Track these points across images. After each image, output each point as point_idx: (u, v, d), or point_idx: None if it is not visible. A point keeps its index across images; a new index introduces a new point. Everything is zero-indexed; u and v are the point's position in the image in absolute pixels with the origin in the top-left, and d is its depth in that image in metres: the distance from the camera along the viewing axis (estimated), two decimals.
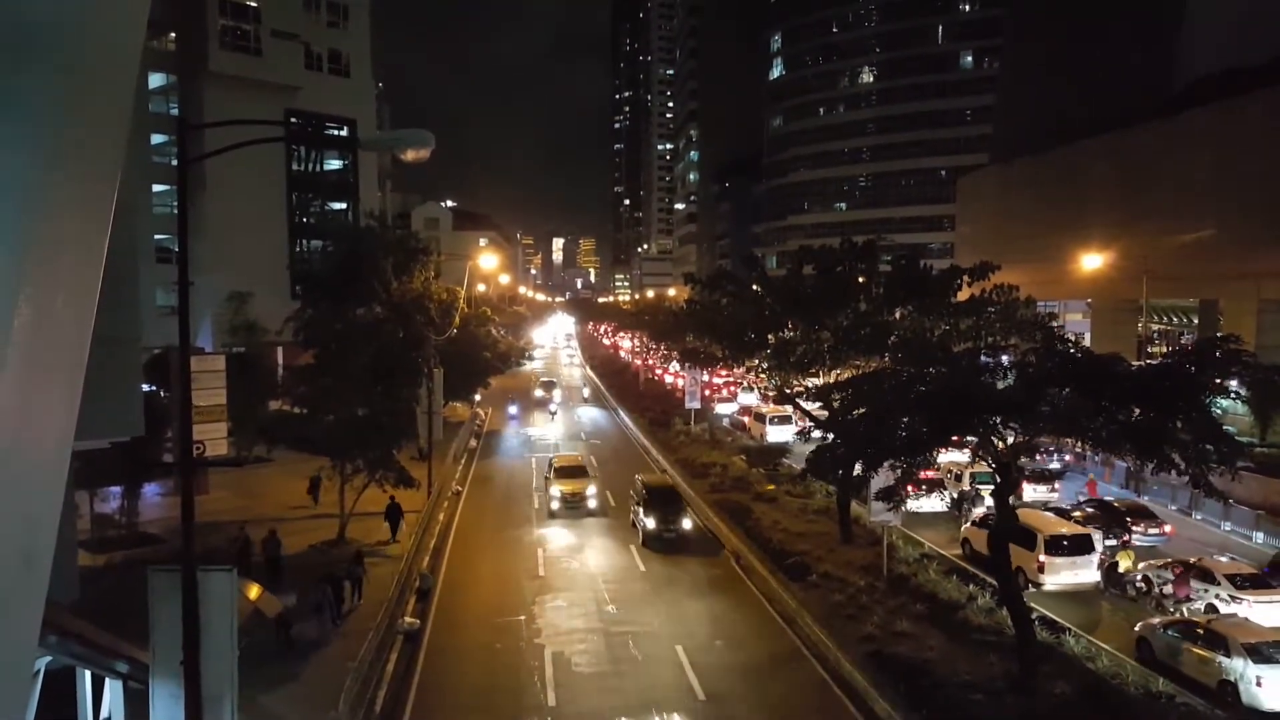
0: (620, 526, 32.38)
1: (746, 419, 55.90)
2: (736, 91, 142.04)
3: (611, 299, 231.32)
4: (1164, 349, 58.17)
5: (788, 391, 33.97)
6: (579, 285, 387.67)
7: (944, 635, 20.72)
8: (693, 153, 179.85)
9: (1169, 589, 23.62)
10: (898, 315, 29.30)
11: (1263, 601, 21.95)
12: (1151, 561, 25.21)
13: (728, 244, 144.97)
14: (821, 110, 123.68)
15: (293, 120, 55.05)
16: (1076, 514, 29.01)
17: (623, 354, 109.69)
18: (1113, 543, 26.93)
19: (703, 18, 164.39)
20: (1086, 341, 47.05)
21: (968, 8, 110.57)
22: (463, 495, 37.87)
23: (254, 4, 53.41)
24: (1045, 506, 30.62)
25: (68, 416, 4.31)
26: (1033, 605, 20.66)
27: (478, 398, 61.00)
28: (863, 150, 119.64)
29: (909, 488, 21.16)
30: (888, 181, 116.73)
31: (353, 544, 26.82)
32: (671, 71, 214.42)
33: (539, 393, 69.28)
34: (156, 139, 47.99)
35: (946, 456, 31.17)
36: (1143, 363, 29.49)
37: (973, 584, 24.24)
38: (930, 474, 32.77)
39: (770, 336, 32.08)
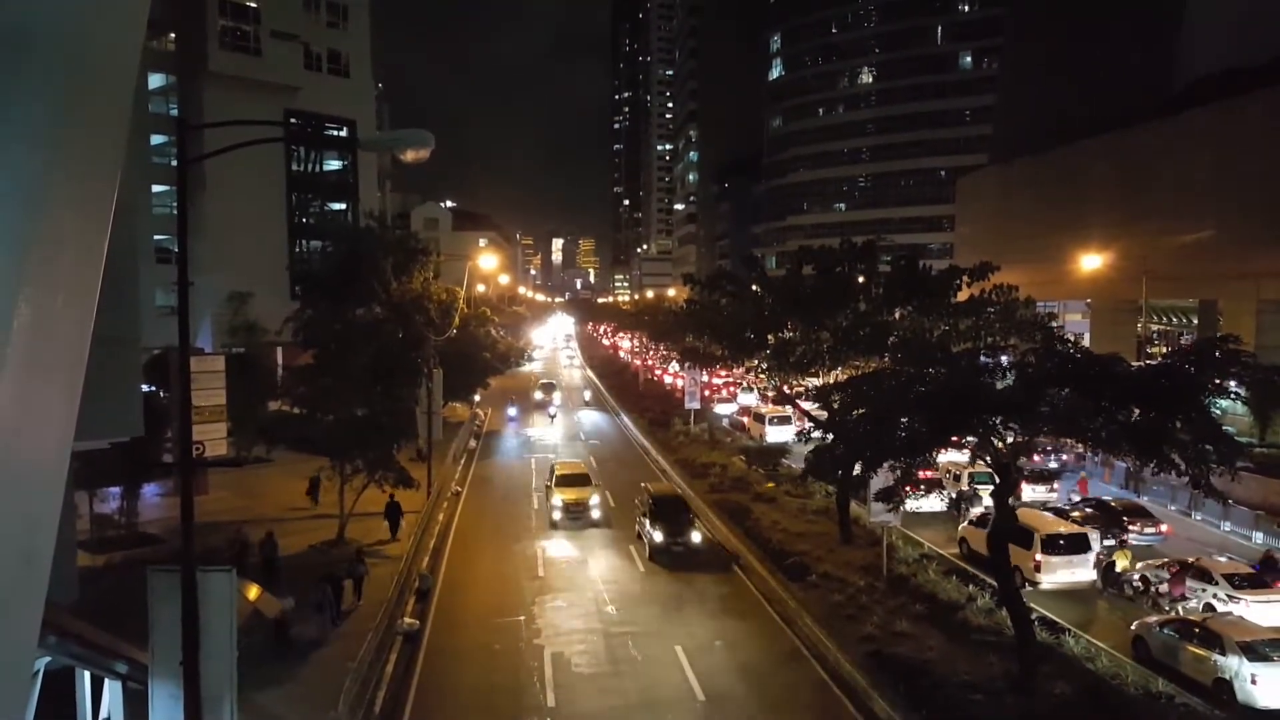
0: (625, 538, 30.84)
1: (746, 419, 55.90)
2: (736, 92, 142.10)
3: (611, 299, 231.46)
4: (1163, 349, 58.14)
5: (787, 392, 33.98)
6: (578, 285, 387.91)
7: (944, 635, 20.72)
8: (692, 153, 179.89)
9: (1165, 588, 23.69)
10: (897, 315, 29.30)
11: (1260, 601, 22.05)
12: (1150, 562, 25.26)
13: (727, 244, 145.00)
14: (821, 110, 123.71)
15: (292, 120, 55.04)
16: (1075, 514, 29.12)
17: (622, 354, 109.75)
18: (1111, 543, 26.98)
19: (702, 18, 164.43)
20: (1086, 342, 47.09)
21: (967, 8, 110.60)
22: (462, 496, 37.85)
23: (254, 4, 53.41)
24: (1044, 507, 30.65)
25: (68, 417, 4.31)
26: (1032, 606, 20.67)
27: (477, 398, 61.01)
28: (862, 151, 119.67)
29: (908, 488, 21.13)
30: (887, 182, 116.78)
31: (352, 544, 26.82)
32: (671, 72, 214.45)
33: (538, 395, 68.08)
34: (156, 139, 47.97)
35: (945, 457, 31.17)
36: (1142, 363, 29.50)
37: (972, 584, 24.26)
38: (929, 474, 32.80)
39: (770, 337, 32.08)
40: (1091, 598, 25.10)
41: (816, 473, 28.85)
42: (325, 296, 31.00)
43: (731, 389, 65.91)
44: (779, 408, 47.48)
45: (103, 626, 10.41)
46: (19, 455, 3.82)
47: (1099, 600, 25.00)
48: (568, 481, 33.69)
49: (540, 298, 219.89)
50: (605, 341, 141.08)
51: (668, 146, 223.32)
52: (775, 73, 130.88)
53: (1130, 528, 28.71)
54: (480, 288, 74.01)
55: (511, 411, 59.82)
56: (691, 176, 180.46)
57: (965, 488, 33.37)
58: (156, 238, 46.95)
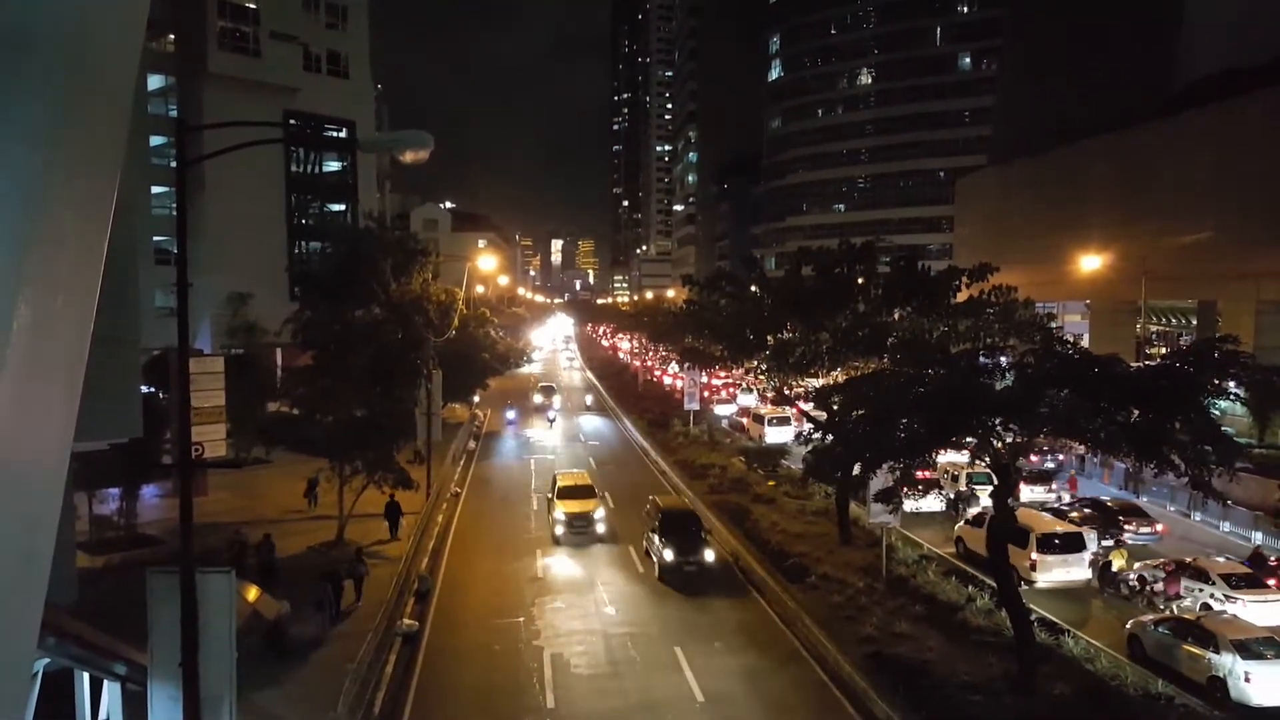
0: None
1: (745, 420, 55.91)
2: (735, 93, 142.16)
3: (610, 300, 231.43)
4: (1162, 350, 58.16)
5: (786, 393, 33.96)
6: (578, 286, 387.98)
7: (943, 636, 20.73)
8: (692, 154, 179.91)
9: (1160, 587, 23.83)
10: (896, 316, 29.29)
11: (1257, 601, 22.18)
12: (1148, 562, 25.34)
13: (727, 245, 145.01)
14: (820, 111, 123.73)
15: (291, 121, 55.04)
16: (1074, 514, 29.24)
17: (621, 355, 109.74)
18: (1109, 543, 27.09)
19: (702, 19, 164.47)
20: (1085, 342, 47.08)
21: (966, 9, 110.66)
22: (462, 497, 37.84)
23: (253, 5, 53.41)
24: (1042, 507, 30.74)
25: (67, 417, 4.30)
26: (1031, 607, 20.67)
27: (476, 399, 61.00)
28: (862, 151, 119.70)
29: (907, 489, 21.15)
30: (887, 183, 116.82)
31: (351, 545, 26.81)
32: (671, 73, 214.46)
33: (538, 398, 66.39)
34: (156, 140, 47.96)
35: (944, 458, 31.24)
36: (1141, 364, 29.52)
37: (971, 585, 24.27)
38: (927, 474, 32.82)
39: (769, 338, 32.06)
40: (1087, 597, 25.22)
41: (816, 474, 28.80)
42: (324, 297, 31.00)
43: (731, 390, 65.90)
44: (778, 409, 47.51)
45: (102, 628, 10.39)
46: (18, 456, 3.82)
47: (1095, 599, 25.10)
48: (570, 493, 31.72)
49: (539, 299, 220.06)
50: (604, 343, 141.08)
51: (667, 147, 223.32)
52: (775, 73, 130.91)
53: (1126, 527, 28.87)
54: (479, 289, 74.02)
55: (510, 414, 59.52)
56: (691, 177, 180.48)
57: (963, 488, 33.41)
58: (156, 239, 46.94)
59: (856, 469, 22.44)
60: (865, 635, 20.93)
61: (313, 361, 30.66)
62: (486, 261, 67.29)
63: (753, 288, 35.64)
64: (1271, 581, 23.44)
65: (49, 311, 3.88)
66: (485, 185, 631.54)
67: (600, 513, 31.19)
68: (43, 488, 4.13)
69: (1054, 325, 30.62)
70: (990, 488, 29.80)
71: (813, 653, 21.15)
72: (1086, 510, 29.92)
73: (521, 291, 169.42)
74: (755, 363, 33.80)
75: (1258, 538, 29.70)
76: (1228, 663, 18.31)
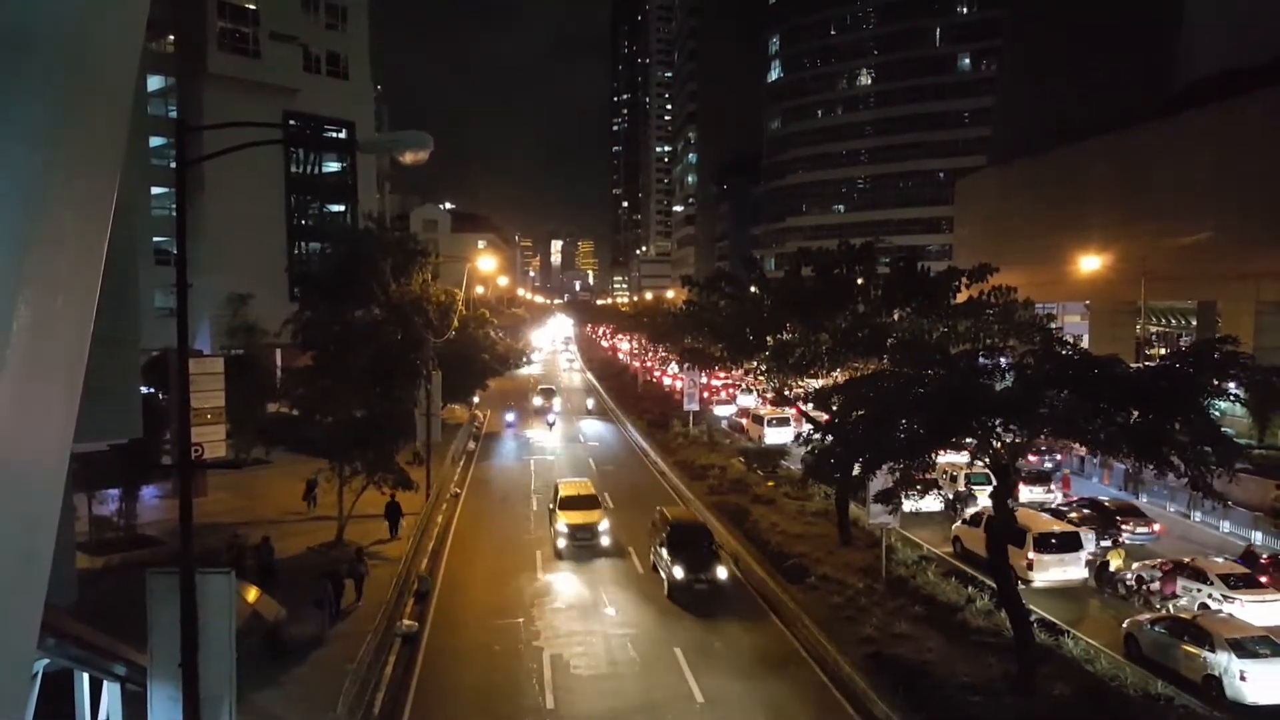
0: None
1: (745, 421, 55.91)
2: (735, 93, 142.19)
3: (610, 301, 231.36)
4: (1162, 350, 58.17)
5: (786, 394, 33.93)
6: (577, 287, 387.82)
7: (943, 637, 20.73)
8: (691, 155, 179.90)
9: (1157, 586, 23.95)
10: (896, 317, 29.29)
11: (1255, 601, 22.29)
12: (1146, 562, 25.40)
13: (726, 246, 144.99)
14: (820, 112, 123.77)
15: (291, 122, 55.07)
16: (1072, 515, 29.32)
17: (621, 356, 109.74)
18: (1107, 544, 27.20)
19: (702, 19, 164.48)
20: (1085, 343, 47.08)
21: (965, 10, 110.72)
22: (461, 498, 37.83)
23: (252, 6, 53.42)
24: (1042, 507, 30.80)
25: (67, 418, 4.30)
26: (1031, 607, 20.67)
27: (476, 400, 60.99)
28: (861, 152, 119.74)
29: (906, 489, 21.16)
30: (886, 183, 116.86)
31: (351, 545, 26.81)
32: (670, 73, 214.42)
33: (537, 400, 65.42)
34: (155, 141, 47.98)
35: (943, 458, 31.24)
36: (1141, 364, 29.52)
37: (971, 586, 24.28)
38: (926, 475, 32.77)
39: (768, 338, 32.05)
40: (1084, 596, 25.34)
41: (815, 474, 28.74)
42: (324, 298, 31.00)
43: (730, 391, 65.88)
44: (778, 409, 47.49)
45: (101, 628, 10.40)
46: (18, 456, 3.82)
47: (1092, 599, 25.22)
48: (573, 504, 30.24)
49: (539, 299, 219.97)
50: (604, 343, 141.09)
51: (667, 148, 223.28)
52: (774, 74, 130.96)
53: (1124, 527, 29.01)
54: (479, 289, 73.99)
55: (510, 416, 59.15)
56: (691, 178, 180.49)
57: (962, 488, 33.37)
58: (155, 239, 46.94)
59: (856, 470, 22.43)
60: (865, 636, 20.93)
61: (312, 362, 30.66)
62: (486, 262, 67.22)
63: (752, 288, 35.63)
64: (1264, 579, 23.63)
65: (49, 312, 3.88)
66: (485, 186, 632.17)
67: (605, 524, 29.76)
68: (42, 488, 4.13)
69: (1054, 326, 30.61)
70: (989, 488, 29.89)
71: (812, 653, 21.12)
72: (1085, 511, 29.98)
73: (521, 292, 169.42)
74: (755, 363, 33.77)
75: (1257, 537, 29.73)
76: (1223, 661, 18.45)
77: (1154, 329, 62.26)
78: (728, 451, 46.11)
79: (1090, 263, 53.09)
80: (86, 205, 4.14)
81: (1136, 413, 16.27)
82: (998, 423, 17.70)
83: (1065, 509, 30.73)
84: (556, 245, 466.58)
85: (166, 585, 9.89)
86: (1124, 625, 21.59)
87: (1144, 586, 24.30)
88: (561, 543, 29.15)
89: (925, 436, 17.92)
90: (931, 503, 33.03)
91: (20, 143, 3.67)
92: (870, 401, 20.59)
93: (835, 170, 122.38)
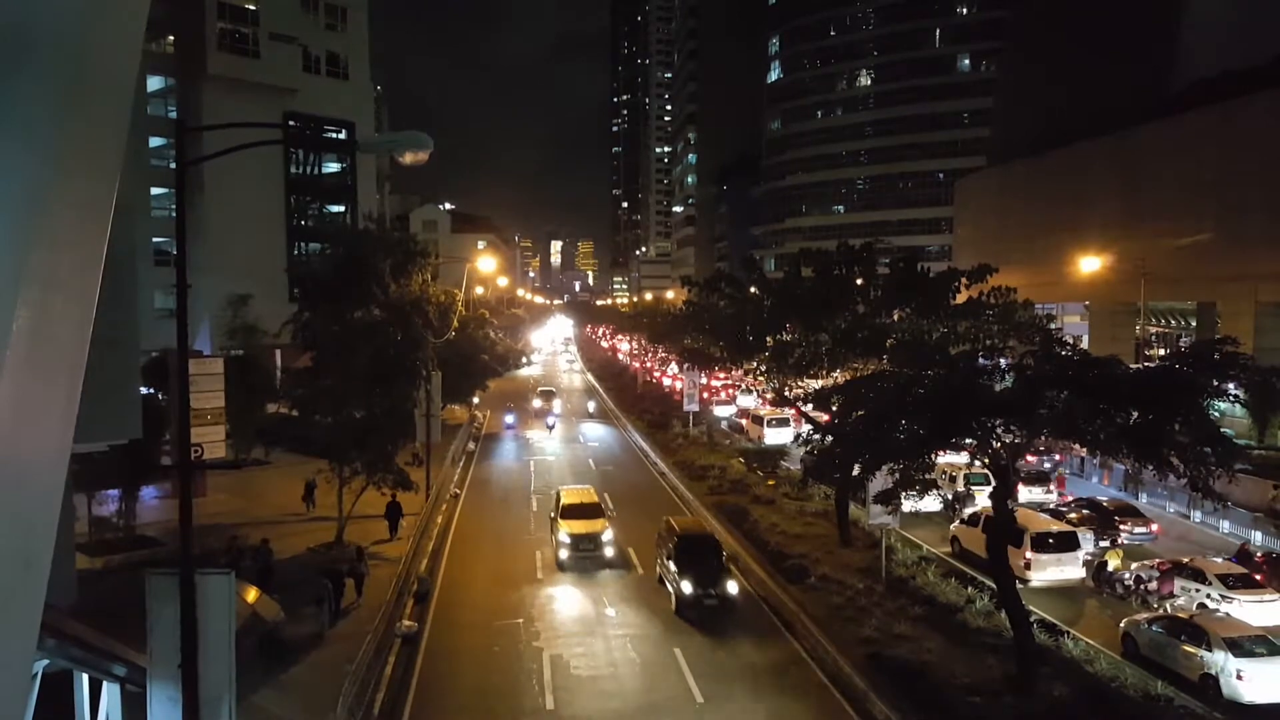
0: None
1: (745, 421, 55.91)
2: (735, 94, 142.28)
3: (610, 301, 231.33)
4: (1162, 351, 58.18)
5: (786, 394, 33.93)
6: (577, 288, 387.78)
7: (943, 637, 20.73)
8: (691, 155, 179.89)
9: (1154, 586, 24.05)
10: (896, 318, 29.31)
11: (1253, 601, 22.38)
12: (1145, 562, 25.44)
13: (726, 246, 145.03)
14: (820, 113, 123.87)
15: (291, 123, 55.06)
16: (1072, 515, 29.37)
17: (621, 356, 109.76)
18: (1106, 544, 27.30)
19: (701, 20, 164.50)
20: (1084, 344, 47.10)
21: (965, 11, 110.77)
22: (461, 498, 37.82)
23: (252, 7, 53.43)
24: (1041, 508, 30.84)
25: (67, 419, 4.30)
26: (1031, 609, 20.67)
27: (476, 400, 60.97)
28: (861, 153, 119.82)
29: (905, 490, 21.17)
30: (886, 184, 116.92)
31: (351, 545, 26.80)
32: (670, 74, 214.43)
33: (537, 402, 64.31)
34: (155, 142, 47.96)
35: (942, 458, 31.28)
36: (1141, 365, 29.53)
37: (971, 586, 24.28)
38: (925, 475, 32.81)
39: (768, 339, 32.05)
40: (1082, 596, 25.43)
41: (815, 475, 28.75)
42: (324, 299, 30.97)
43: (730, 391, 65.88)
44: (777, 410, 47.50)
45: (101, 629, 10.38)
46: (18, 457, 3.82)
47: (1090, 598, 25.28)
48: (575, 512, 28.99)
49: (539, 300, 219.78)
50: (604, 344, 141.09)
51: (666, 148, 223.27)
52: (774, 75, 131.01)
53: (1122, 527, 29.15)
54: (479, 290, 74.01)
55: (509, 419, 58.72)
56: (690, 179, 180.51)
57: (961, 489, 33.40)
58: (155, 240, 46.92)
59: (856, 470, 22.45)
60: (865, 636, 20.93)
61: (312, 363, 30.66)
62: (486, 263, 67.23)
63: (752, 289, 35.62)
64: (1259, 578, 23.74)
65: (49, 312, 3.88)
66: (485, 186, 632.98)
67: (609, 534, 28.36)
68: (42, 489, 4.13)
69: (1053, 326, 30.61)
70: (988, 488, 29.91)
71: (813, 654, 21.11)
72: (1084, 511, 30.03)
73: (521, 293, 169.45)
74: (754, 364, 33.77)
75: (1257, 538, 29.75)
76: (1220, 660, 18.56)
77: (1154, 330, 62.28)
78: (728, 452, 46.11)
79: (1090, 263, 53.13)
80: (86, 205, 4.14)
81: (1136, 413, 16.28)
82: (998, 423, 17.70)
83: (1064, 509, 30.78)
84: (556, 246, 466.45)
85: (166, 586, 9.87)
86: (1121, 625, 21.69)
87: (1142, 586, 24.39)
88: (564, 554, 27.84)
89: (925, 437, 17.93)
90: (930, 503, 33.18)
91: (20, 143, 3.67)
92: (870, 402, 20.59)
93: (835, 171, 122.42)
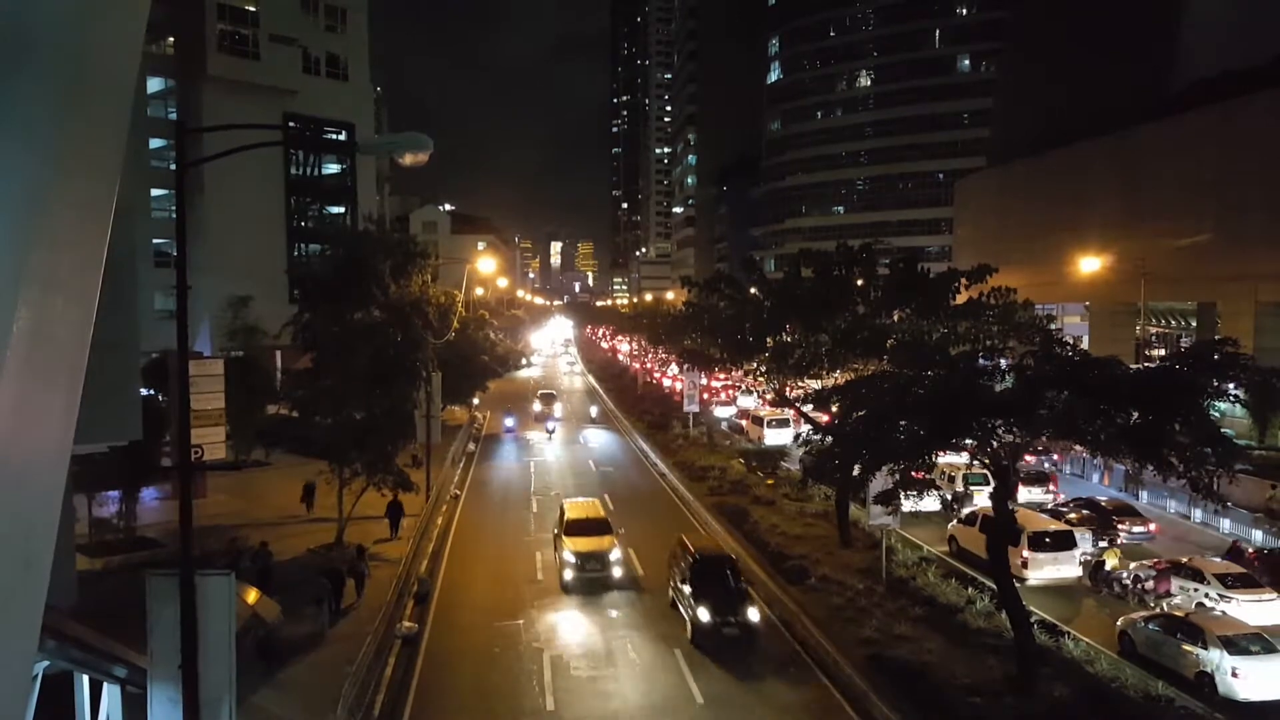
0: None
1: (745, 422, 55.90)
2: (735, 95, 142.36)
3: (610, 302, 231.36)
4: (1162, 352, 58.19)
5: (786, 395, 33.93)
6: (577, 288, 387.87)
7: (943, 638, 20.72)
8: (691, 156, 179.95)
9: (1151, 585, 24.11)
10: (896, 318, 29.30)
11: (1251, 600, 22.44)
12: (1143, 562, 25.50)
13: (726, 247, 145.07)
14: (820, 114, 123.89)
15: (291, 124, 55.08)
16: (1071, 515, 29.39)
17: (621, 357, 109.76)
18: (1104, 544, 27.36)
19: (701, 21, 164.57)
20: (1085, 344, 47.11)
21: (965, 11, 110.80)
22: (461, 499, 37.81)
23: (252, 8, 53.45)
24: (1040, 508, 30.87)
25: (67, 420, 4.30)
26: (1031, 609, 20.68)
27: (476, 401, 60.96)
28: (861, 154, 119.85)
29: (905, 490, 21.17)
30: (886, 185, 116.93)
31: (351, 546, 26.79)
32: (670, 75, 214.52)
33: (537, 406, 62.85)
34: (155, 143, 47.98)
35: (942, 459, 31.29)
36: (1141, 365, 29.54)
37: (971, 587, 24.27)
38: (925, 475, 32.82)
39: (768, 339, 32.04)
40: (1080, 595, 25.48)
41: (815, 475, 28.70)
42: (324, 300, 30.98)
43: (730, 392, 65.88)
44: (777, 411, 47.49)
45: (101, 630, 10.38)
46: (18, 458, 3.82)
47: (1088, 597, 25.33)
48: (581, 528, 26.94)
49: (539, 301, 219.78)
50: (604, 345, 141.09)
51: (666, 149, 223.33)
52: (774, 76, 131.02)
53: (1120, 527, 29.28)
54: (479, 291, 73.99)
55: (509, 421, 58.11)
56: (690, 179, 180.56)
57: (960, 489, 33.50)
58: (155, 241, 46.95)
59: (856, 471, 22.46)
60: (865, 637, 20.93)
61: (312, 364, 30.66)
62: (486, 264, 67.20)
63: (752, 289, 35.62)
64: (1245, 571, 23.88)
65: (50, 313, 3.88)
66: (485, 187, 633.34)
67: (617, 553, 26.29)
68: (43, 490, 4.13)
69: (1053, 327, 30.61)
70: (986, 489, 29.93)
71: (813, 655, 21.09)
72: (1083, 511, 30.08)
73: (521, 294, 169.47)
74: (754, 365, 33.76)
75: (1257, 537, 29.76)
76: (1215, 658, 18.68)
77: (1154, 330, 62.29)
78: (728, 453, 46.10)
79: (1090, 264, 53.14)
80: (86, 205, 4.14)
81: (1136, 414, 16.28)
82: (998, 423, 17.70)
83: (1063, 509, 30.83)
84: (556, 247, 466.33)
85: (166, 587, 9.87)
86: (1118, 623, 21.79)
87: (1139, 585, 24.46)
88: (568, 574, 25.71)
89: (925, 437, 17.92)
90: (930, 503, 33.22)
91: (20, 143, 3.67)
92: (870, 402, 20.59)
93: (835, 172, 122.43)
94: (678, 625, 22.78)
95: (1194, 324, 57.88)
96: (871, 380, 22.82)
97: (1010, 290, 26.59)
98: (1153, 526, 30.14)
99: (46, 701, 9.67)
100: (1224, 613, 21.35)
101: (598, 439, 55.38)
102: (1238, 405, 23.33)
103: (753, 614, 21.59)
